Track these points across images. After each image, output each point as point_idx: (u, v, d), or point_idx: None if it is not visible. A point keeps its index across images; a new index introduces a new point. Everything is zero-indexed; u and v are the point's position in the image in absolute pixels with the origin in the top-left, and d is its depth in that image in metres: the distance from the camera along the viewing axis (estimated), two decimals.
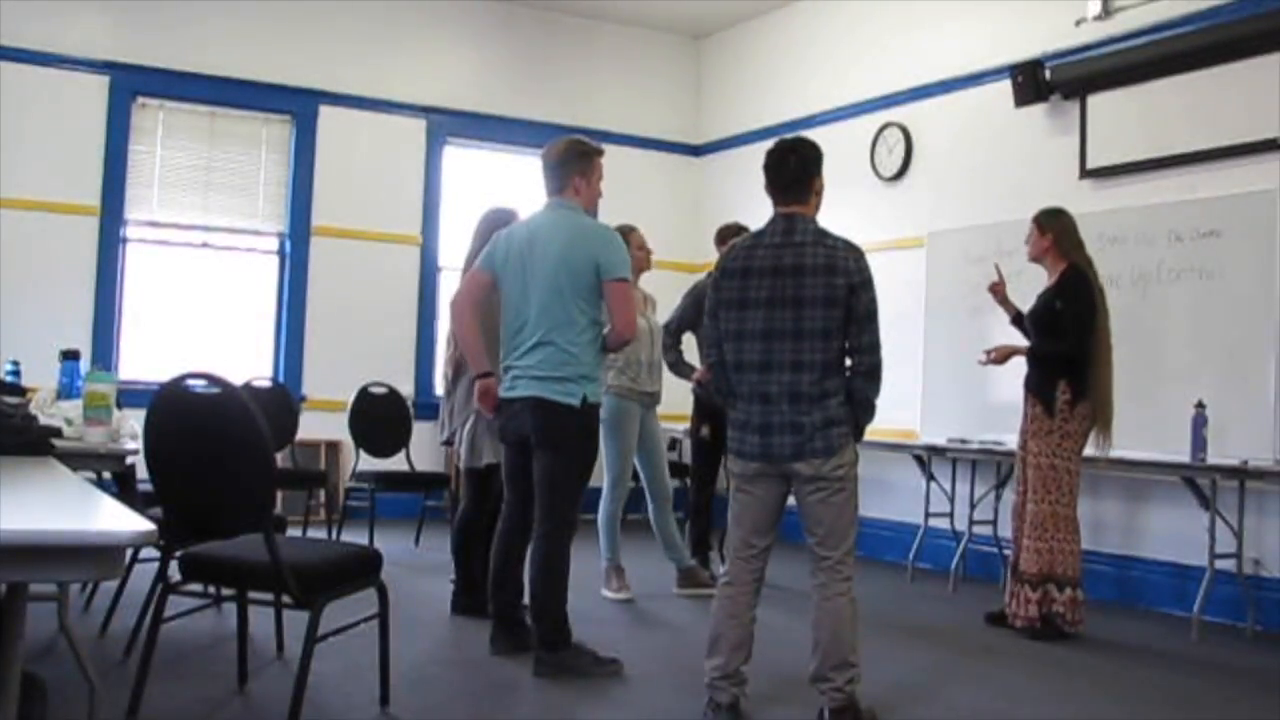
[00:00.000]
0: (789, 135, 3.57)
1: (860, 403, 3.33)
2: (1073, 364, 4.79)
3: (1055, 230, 4.91)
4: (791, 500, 3.41)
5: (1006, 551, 5.43)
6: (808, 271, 3.28)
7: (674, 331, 5.85)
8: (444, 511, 6.91)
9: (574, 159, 4.05)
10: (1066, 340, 4.79)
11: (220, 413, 2.99)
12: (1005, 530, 5.55)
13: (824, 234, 3.36)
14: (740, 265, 3.40)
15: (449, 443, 5.01)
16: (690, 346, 6.06)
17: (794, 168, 3.41)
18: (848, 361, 3.35)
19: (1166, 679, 4.29)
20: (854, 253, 3.33)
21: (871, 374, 3.32)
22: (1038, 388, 4.86)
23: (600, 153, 4.14)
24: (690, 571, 5.60)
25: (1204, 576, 4.97)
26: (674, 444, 7.62)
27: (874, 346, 3.31)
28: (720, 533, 5.99)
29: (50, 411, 3.68)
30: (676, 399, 6.15)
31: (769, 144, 3.50)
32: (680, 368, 5.80)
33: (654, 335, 5.53)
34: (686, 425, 6.17)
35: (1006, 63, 6.39)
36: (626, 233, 5.38)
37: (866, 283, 3.29)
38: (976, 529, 6.12)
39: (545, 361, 3.89)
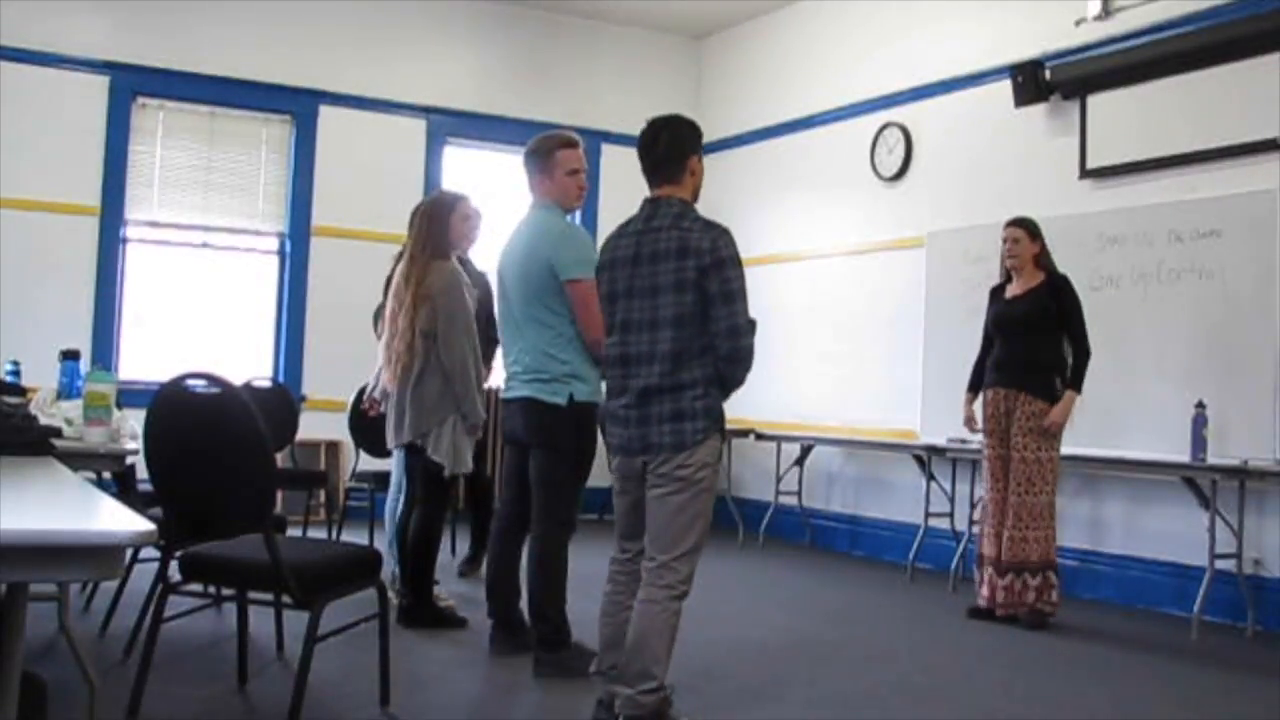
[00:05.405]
0: (664, 114, 3.34)
1: (725, 386, 3.17)
2: (1067, 362, 5.04)
3: (1042, 238, 5.17)
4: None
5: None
6: (661, 257, 3.12)
7: None
8: None
9: (529, 160, 4.09)
10: (1082, 343, 5.03)
11: (220, 413, 2.99)
12: None
13: (684, 216, 3.16)
14: (607, 258, 3.28)
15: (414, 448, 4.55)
16: None
17: (665, 145, 3.22)
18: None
19: (1167, 679, 4.29)
20: (714, 232, 3.11)
21: (730, 359, 3.11)
22: (1040, 387, 5.00)
23: (565, 144, 4.07)
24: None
25: (1204, 576, 4.97)
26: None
27: (733, 331, 3.08)
28: None
29: (50, 411, 3.68)
30: None
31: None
32: None
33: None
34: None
35: (1006, 63, 6.39)
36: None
37: (720, 262, 3.07)
38: (976, 529, 6.10)
39: (530, 365, 3.93)
